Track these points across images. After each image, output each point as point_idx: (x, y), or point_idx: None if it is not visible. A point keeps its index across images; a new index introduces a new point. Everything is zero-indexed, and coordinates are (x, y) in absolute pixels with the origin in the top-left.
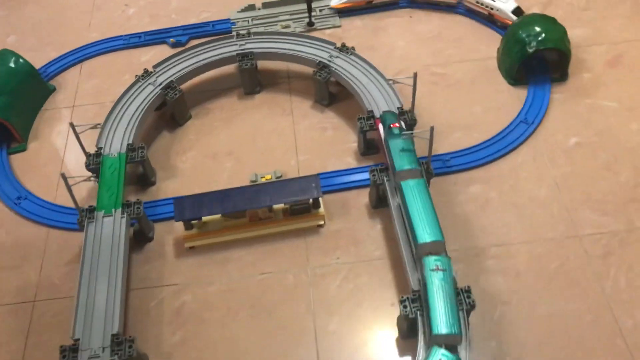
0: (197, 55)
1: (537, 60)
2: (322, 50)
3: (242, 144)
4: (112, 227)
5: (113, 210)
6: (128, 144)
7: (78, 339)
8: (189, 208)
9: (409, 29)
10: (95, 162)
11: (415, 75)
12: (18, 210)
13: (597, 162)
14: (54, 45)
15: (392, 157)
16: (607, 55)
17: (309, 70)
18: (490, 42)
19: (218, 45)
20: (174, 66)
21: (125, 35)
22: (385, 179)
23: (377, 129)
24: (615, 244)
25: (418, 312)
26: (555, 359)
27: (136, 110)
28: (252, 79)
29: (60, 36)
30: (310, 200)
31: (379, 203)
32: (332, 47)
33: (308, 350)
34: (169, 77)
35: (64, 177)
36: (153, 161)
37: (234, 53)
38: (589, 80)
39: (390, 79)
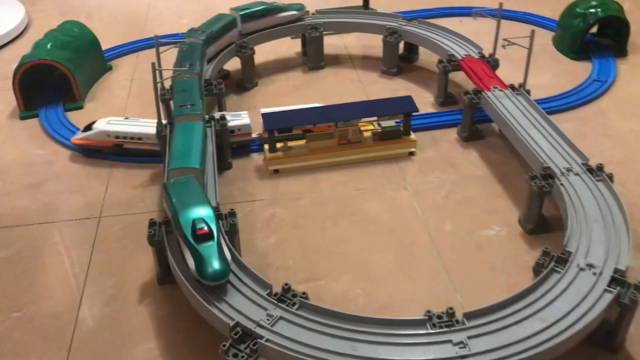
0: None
1: (593, 43)
2: (390, 21)
3: (313, 102)
4: None
5: None
6: (205, 79)
7: None
8: (278, 119)
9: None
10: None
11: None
12: (77, 150)
13: None
14: (115, 37)
15: None
16: None
17: (371, 49)
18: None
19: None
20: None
21: (182, 33)
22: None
23: (462, 68)
24: None
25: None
26: None
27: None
28: (318, 52)
29: (120, 32)
30: (401, 129)
31: (470, 136)
32: (399, 18)
33: (424, 248)
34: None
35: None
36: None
37: (300, 23)
38: None
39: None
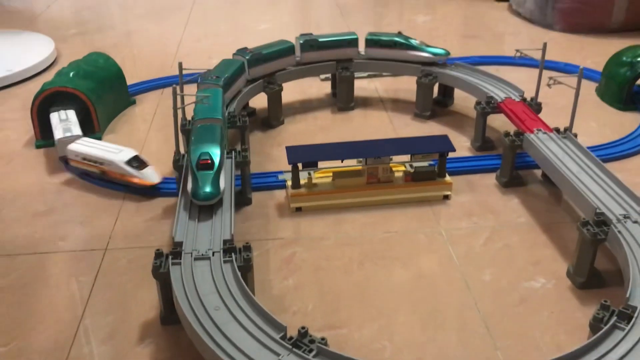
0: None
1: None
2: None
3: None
4: None
5: None
6: (229, 112)
7: (180, 242)
8: (303, 153)
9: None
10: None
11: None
12: (91, 180)
13: None
14: (142, 73)
15: None
16: None
17: (403, 93)
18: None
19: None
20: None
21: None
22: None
23: (502, 111)
24: None
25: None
26: None
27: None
28: (349, 92)
29: (148, 69)
30: (436, 170)
31: (511, 182)
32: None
33: (460, 299)
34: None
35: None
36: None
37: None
38: None
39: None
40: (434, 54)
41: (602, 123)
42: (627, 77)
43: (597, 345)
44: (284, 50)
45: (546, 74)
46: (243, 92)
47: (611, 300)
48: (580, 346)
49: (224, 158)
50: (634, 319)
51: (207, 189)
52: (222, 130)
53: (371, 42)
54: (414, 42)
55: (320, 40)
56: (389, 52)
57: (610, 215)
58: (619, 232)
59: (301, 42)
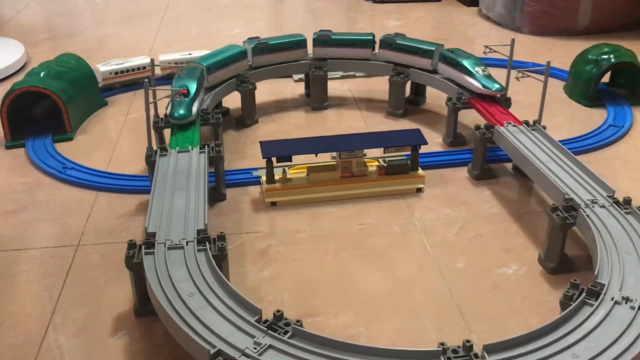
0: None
1: (606, 92)
2: None
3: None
4: (189, 160)
5: (190, 147)
6: (202, 109)
7: (153, 232)
8: (277, 147)
9: None
10: (166, 122)
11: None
12: (63, 177)
13: None
14: None
15: None
16: None
17: (376, 93)
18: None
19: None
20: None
21: None
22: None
23: (473, 106)
24: None
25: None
26: None
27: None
28: (322, 92)
29: None
30: (409, 163)
31: (482, 174)
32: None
33: (434, 285)
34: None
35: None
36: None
37: (304, 61)
38: None
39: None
40: (488, 88)
41: (570, 119)
42: (593, 74)
43: (566, 321)
44: (236, 54)
45: (513, 75)
46: (215, 91)
47: (581, 282)
48: (550, 321)
49: (200, 92)
50: (602, 295)
51: (181, 111)
52: (202, 73)
53: (442, 58)
54: (470, 65)
55: (271, 43)
56: (453, 72)
57: (578, 201)
58: (587, 216)
59: (252, 46)
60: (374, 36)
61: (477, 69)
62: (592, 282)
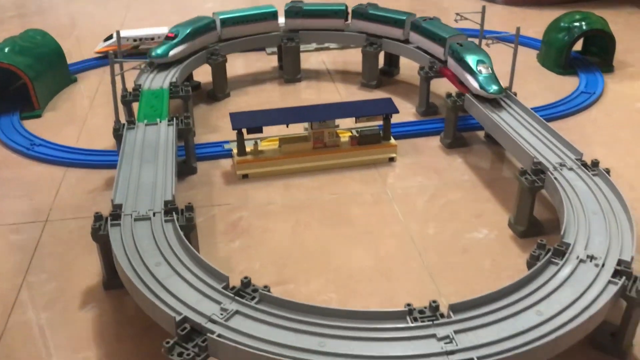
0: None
1: (579, 60)
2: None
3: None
4: (158, 132)
5: (158, 120)
6: (171, 82)
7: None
8: (247, 118)
9: None
10: (134, 95)
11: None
12: (31, 154)
13: None
14: (84, 53)
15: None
16: None
17: (350, 65)
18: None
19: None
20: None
21: None
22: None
23: (445, 74)
24: None
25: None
26: None
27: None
28: (295, 64)
29: (89, 48)
30: (381, 132)
31: (454, 142)
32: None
33: (405, 251)
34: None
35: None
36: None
37: (276, 33)
38: (635, 72)
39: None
40: (484, 89)
41: (543, 87)
42: (565, 42)
43: (532, 280)
44: (204, 26)
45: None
46: (185, 63)
47: (549, 243)
48: (515, 281)
49: (188, 39)
50: (567, 254)
51: (159, 51)
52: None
53: (450, 52)
54: (474, 62)
55: (240, 15)
56: (457, 67)
57: (547, 164)
58: (555, 178)
59: (221, 17)
60: (346, 7)
61: (479, 67)
62: (558, 242)
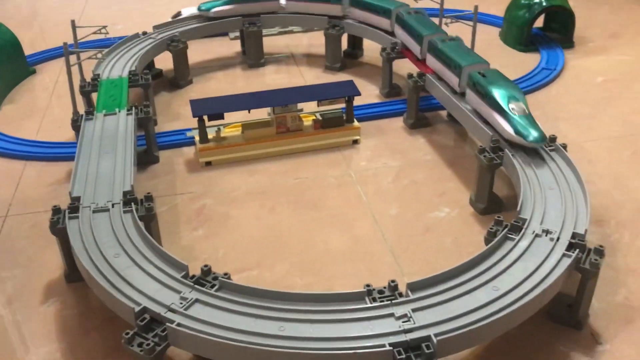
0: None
1: (540, 36)
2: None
3: None
4: (117, 122)
5: (117, 109)
6: (130, 70)
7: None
8: (208, 105)
9: None
10: (92, 85)
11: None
12: None
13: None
14: (42, 43)
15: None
16: (603, 33)
17: (314, 48)
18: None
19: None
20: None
21: (114, 38)
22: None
23: (406, 55)
24: None
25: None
26: None
27: (138, 50)
28: (258, 48)
29: (48, 38)
30: (344, 116)
31: (417, 123)
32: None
33: (368, 232)
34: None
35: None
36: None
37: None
38: (595, 47)
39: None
40: (522, 136)
41: (505, 64)
42: (526, 18)
43: (489, 256)
44: None
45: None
46: (143, 51)
47: (507, 220)
48: (472, 257)
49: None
50: (523, 229)
51: (205, 6)
52: None
53: (471, 84)
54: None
55: None
56: (481, 104)
57: (504, 141)
58: (513, 155)
59: None
60: None
61: (512, 105)
62: (515, 218)
